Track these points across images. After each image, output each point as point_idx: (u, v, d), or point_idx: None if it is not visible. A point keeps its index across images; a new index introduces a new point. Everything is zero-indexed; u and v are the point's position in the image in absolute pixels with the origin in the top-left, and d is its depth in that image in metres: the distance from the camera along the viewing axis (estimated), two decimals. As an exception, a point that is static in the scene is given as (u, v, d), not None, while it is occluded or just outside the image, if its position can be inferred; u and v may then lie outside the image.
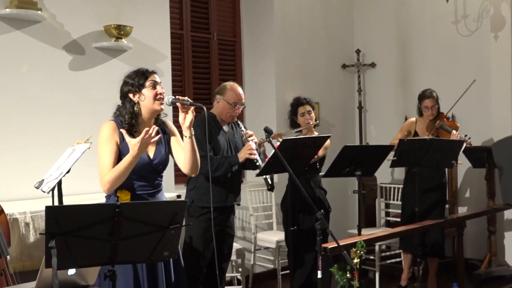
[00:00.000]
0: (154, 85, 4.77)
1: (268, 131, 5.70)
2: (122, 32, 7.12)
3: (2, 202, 5.38)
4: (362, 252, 5.08)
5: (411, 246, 8.05)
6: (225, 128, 6.33)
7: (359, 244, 5.10)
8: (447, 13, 9.67)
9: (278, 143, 6.27)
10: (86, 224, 3.62)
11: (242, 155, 6.02)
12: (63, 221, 3.57)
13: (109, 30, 7.10)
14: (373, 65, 10.49)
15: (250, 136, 6.08)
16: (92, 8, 7.09)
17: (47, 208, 3.59)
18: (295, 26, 9.65)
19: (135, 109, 4.77)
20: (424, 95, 8.05)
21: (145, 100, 4.75)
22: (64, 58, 6.88)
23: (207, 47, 8.99)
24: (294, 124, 7.57)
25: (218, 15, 9.15)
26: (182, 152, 4.87)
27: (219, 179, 6.09)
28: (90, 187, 6.87)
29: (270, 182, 5.74)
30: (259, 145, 6.72)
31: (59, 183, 5.32)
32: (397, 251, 8.94)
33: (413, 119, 8.23)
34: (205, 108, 4.90)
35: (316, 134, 7.46)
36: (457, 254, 7.46)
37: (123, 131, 4.60)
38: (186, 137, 4.74)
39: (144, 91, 4.75)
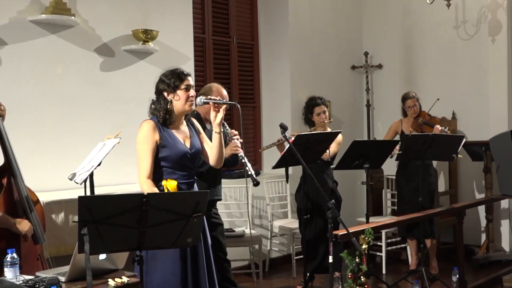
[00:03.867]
0: (188, 88, 4.78)
1: (283, 127, 5.64)
2: (149, 36, 7.11)
3: (39, 193, 5.37)
4: (370, 239, 5.07)
5: (408, 231, 8.25)
6: (208, 126, 6.21)
7: (367, 231, 5.08)
8: (448, 19, 9.61)
9: (293, 138, 6.24)
10: (116, 212, 3.60)
11: (228, 152, 5.89)
12: (94, 210, 3.55)
13: (137, 34, 7.08)
14: (380, 66, 10.43)
15: (235, 135, 5.99)
16: (121, 14, 7.08)
17: (80, 198, 3.58)
18: (308, 30, 9.60)
19: (168, 106, 4.78)
20: (406, 97, 8.29)
21: (178, 100, 4.77)
22: (96, 60, 6.88)
23: (227, 50, 8.96)
24: (308, 121, 7.53)
25: (238, 21, 9.11)
26: (209, 146, 4.94)
27: (201, 174, 5.99)
28: (119, 179, 6.87)
29: (255, 178, 5.64)
30: (278, 144, 6.75)
31: (91, 175, 5.33)
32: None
33: (399, 120, 8.45)
34: (238, 106, 4.95)
35: (329, 130, 7.43)
36: (458, 240, 7.38)
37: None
38: (216, 132, 4.79)
39: (178, 92, 4.76)
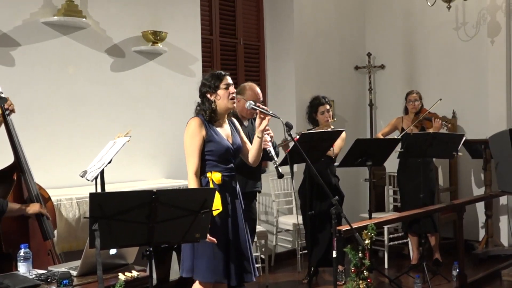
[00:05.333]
0: (227, 86, 4.96)
1: (288, 126, 5.64)
2: (158, 37, 7.10)
3: (51, 190, 5.37)
4: (372, 234, 5.06)
5: (410, 227, 8.18)
6: (245, 123, 6.27)
7: (370, 226, 5.07)
8: (448, 21, 9.58)
9: (298, 137, 6.23)
10: (126, 208, 3.61)
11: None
12: (105, 206, 3.55)
13: (146, 36, 7.07)
14: (382, 66, 10.40)
15: (266, 130, 5.99)
16: (131, 15, 7.06)
17: (91, 194, 3.59)
18: (312, 32, 9.57)
19: (213, 106, 4.95)
20: (410, 92, 8.37)
21: (220, 99, 4.95)
22: (106, 61, 6.87)
23: (234, 51, 8.94)
24: (312, 120, 7.53)
25: (244, 22, 9.09)
26: (246, 145, 5.21)
27: (239, 167, 5.96)
28: (129, 176, 6.87)
29: (280, 171, 5.67)
30: (284, 144, 6.71)
31: (102, 172, 5.31)
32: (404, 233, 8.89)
33: (400, 116, 8.45)
34: (282, 120, 5.05)
35: (332, 128, 7.42)
36: (458, 235, 7.39)
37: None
38: (258, 137, 5.02)
39: (219, 91, 4.95)
